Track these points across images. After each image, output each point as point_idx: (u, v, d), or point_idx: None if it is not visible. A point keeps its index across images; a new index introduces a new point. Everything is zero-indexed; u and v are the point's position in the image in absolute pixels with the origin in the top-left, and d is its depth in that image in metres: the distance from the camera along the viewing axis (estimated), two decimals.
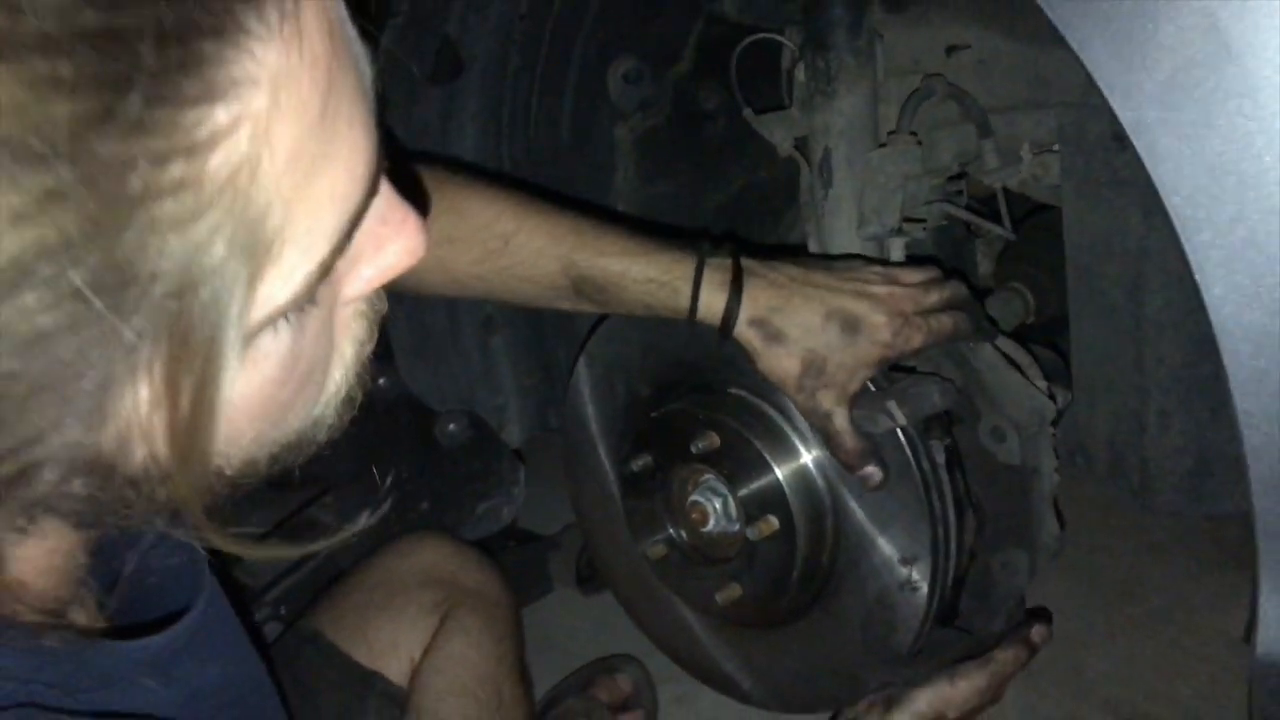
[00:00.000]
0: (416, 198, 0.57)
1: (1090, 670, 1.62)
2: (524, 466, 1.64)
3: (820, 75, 1.22)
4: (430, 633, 1.11)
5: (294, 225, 0.45)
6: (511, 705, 1.11)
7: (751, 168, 1.66)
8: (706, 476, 1.15)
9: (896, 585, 1.07)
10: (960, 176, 1.39)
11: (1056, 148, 1.25)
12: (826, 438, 1.02)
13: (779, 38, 1.38)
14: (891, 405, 1.01)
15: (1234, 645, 1.60)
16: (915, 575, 1.07)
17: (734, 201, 1.67)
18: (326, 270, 0.48)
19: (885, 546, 1.07)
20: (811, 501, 1.09)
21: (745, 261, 1.00)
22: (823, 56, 1.22)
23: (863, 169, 1.21)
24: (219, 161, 0.41)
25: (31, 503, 0.47)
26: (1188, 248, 0.71)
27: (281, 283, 0.46)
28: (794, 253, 1.14)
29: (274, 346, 0.50)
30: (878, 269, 1.03)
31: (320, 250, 0.47)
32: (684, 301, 0.99)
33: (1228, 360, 0.68)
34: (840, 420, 0.99)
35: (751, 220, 1.68)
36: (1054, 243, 1.31)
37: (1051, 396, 1.15)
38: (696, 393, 1.14)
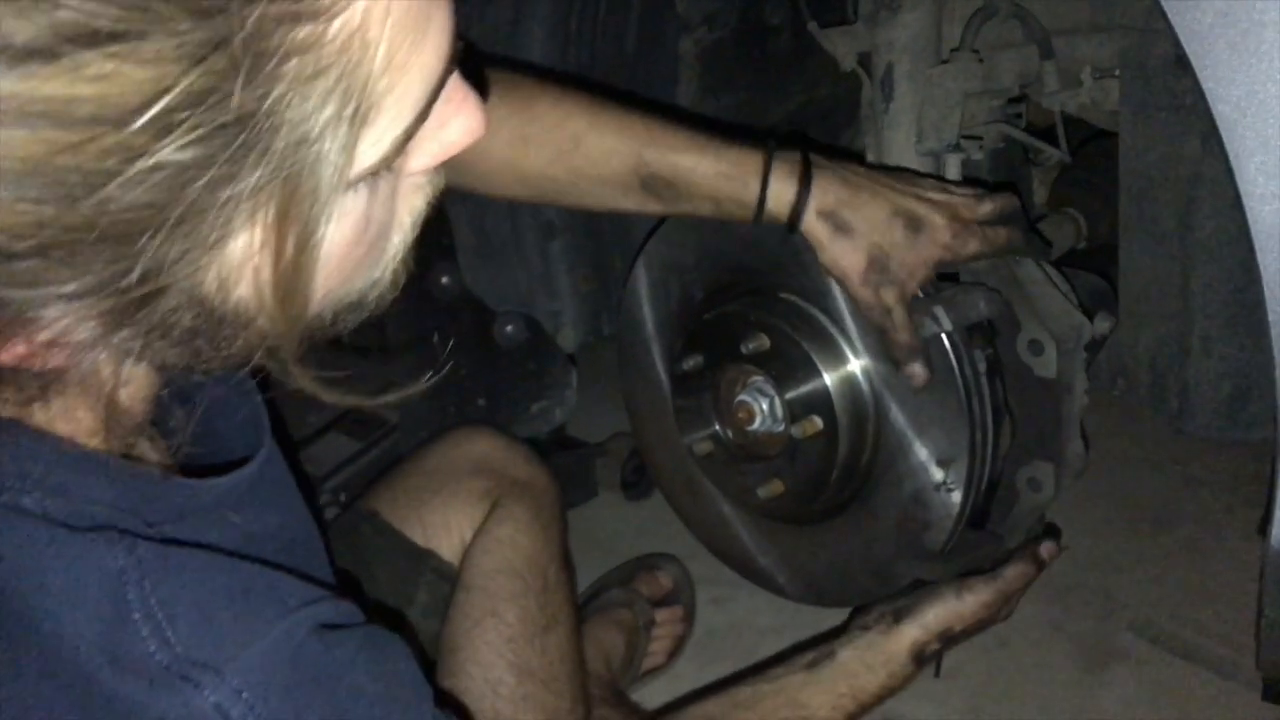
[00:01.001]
0: (476, 82, 0.60)
1: (1119, 592, 1.65)
2: (576, 371, 1.70)
3: None
4: (481, 517, 1.16)
5: (390, 93, 0.49)
6: (555, 588, 1.16)
7: (812, 84, 1.68)
8: (755, 377, 1.20)
9: (932, 485, 1.12)
10: (1020, 100, 1.41)
11: (1117, 72, 1.26)
12: (883, 333, 1.06)
13: None
14: (939, 310, 1.04)
15: None
16: (951, 477, 1.11)
17: (794, 117, 1.69)
18: (409, 137, 0.52)
19: (924, 448, 1.12)
20: (855, 403, 1.14)
21: (813, 157, 1.04)
22: None
23: (924, 84, 1.23)
24: (337, 28, 0.46)
25: (149, 328, 0.52)
26: (1231, 154, 0.74)
27: (372, 146, 0.51)
28: (853, 158, 1.16)
29: (353, 206, 0.54)
30: (933, 180, 1.07)
31: (406, 119, 0.51)
32: (753, 195, 1.02)
33: (1260, 253, 0.71)
34: (899, 316, 1.04)
35: (811, 135, 1.70)
36: (1109, 169, 1.33)
37: (1089, 318, 1.17)
38: (749, 296, 1.18)
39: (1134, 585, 1.67)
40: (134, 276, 0.47)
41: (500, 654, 1.08)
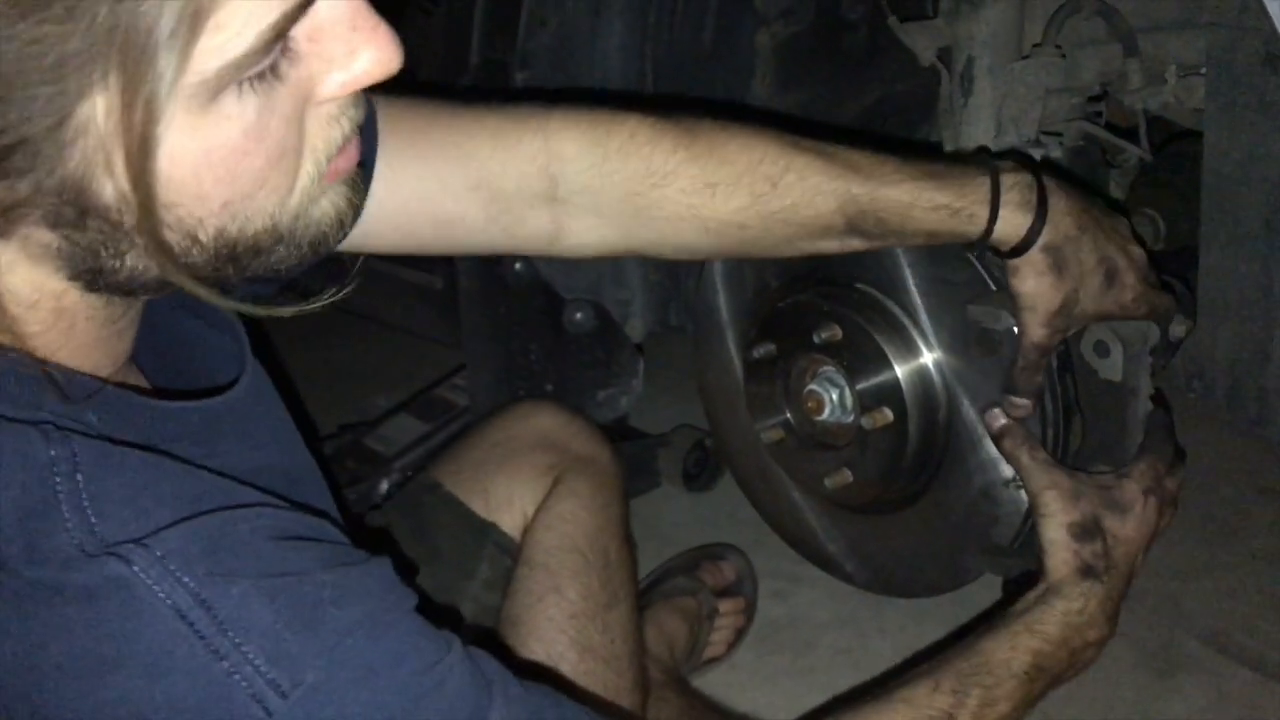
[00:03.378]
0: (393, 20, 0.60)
1: (1188, 602, 1.62)
2: (643, 361, 1.71)
3: None
4: (543, 492, 1.15)
5: None
6: (617, 565, 1.16)
7: (889, 80, 1.67)
8: (826, 367, 1.21)
9: (1002, 481, 1.11)
10: (1101, 98, 1.39)
11: (1203, 70, 1.24)
12: (1024, 359, 1.02)
13: None
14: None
15: None
16: None
17: (869, 112, 1.68)
18: (279, 34, 0.53)
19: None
20: (926, 396, 1.14)
21: (1047, 180, 0.96)
22: None
23: (1004, 79, 1.23)
24: None
25: (10, 204, 0.53)
26: None
27: (233, 37, 0.51)
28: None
29: (238, 110, 0.54)
30: (1127, 222, 1.02)
31: (273, 13, 0.52)
32: (978, 226, 0.94)
33: None
34: (1048, 359, 1.02)
35: (886, 132, 1.69)
36: (1190, 170, 1.31)
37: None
38: (824, 285, 1.18)
39: (1204, 595, 1.64)
40: None
41: (562, 630, 1.09)
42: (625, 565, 1.18)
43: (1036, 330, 0.99)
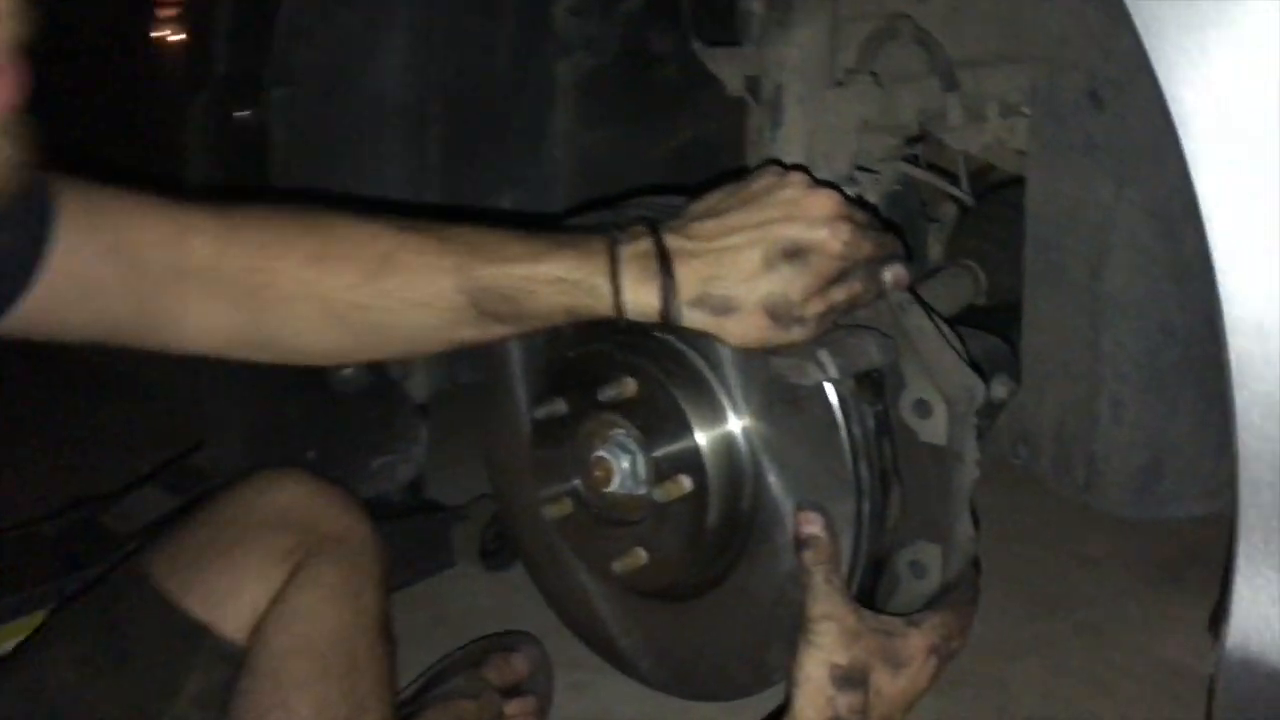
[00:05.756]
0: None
1: (1014, 682, 1.56)
2: (428, 423, 1.54)
3: (778, 5, 1.12)
4: (279, 583, 1.01)
5: None
6: (366, 668, 1.01)
7: (700, 120, 1.59)
8: (616, 430, 1.04)
9: None
10: (920, 139, 1.31)
11: (1026, 111, 1.17)
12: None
13: None
14: (823, 355, 0.90)
15: (1163, 663, 1.56)
16: None
17: (679, 154, 1.59)
18: None
19: None
20: (731, 463, 0.99)
21: (665, 236, 0.89)
22: None
23: (816, 108, 1.12)
24: None
25: None
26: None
27: None
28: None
29: None
30: (797, 175, 0.91)
31: None
32: (607, 301, 0.89)
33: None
34: (839, 300, 0.90)
35: (697, 174, 1.59)
36: (1012, 220, 1.24)
37: (985, 380, 1.04)
38: (621, 333, 1.02)
39: (1030, 675, 1.58)
40: None
41: None
42: (376, 665, 1.03)
43: (782, 347, 0.91)
